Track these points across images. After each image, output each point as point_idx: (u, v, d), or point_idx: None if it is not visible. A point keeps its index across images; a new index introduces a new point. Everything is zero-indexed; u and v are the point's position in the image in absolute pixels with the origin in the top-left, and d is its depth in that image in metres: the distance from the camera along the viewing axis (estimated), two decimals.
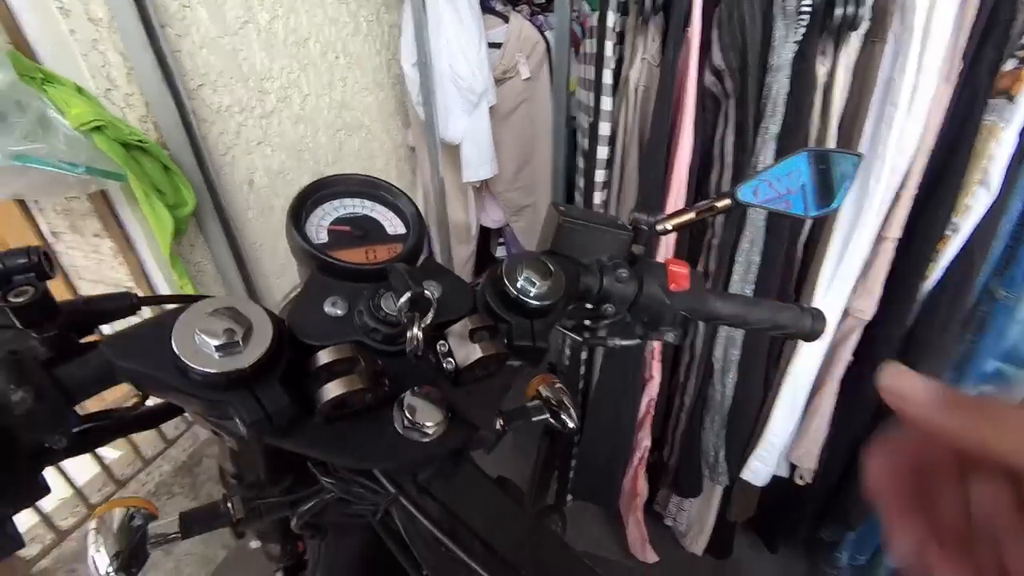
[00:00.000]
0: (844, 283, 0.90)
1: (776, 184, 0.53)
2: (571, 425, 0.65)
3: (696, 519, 1.27)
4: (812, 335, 0.57)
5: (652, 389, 1.12)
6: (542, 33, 1.61)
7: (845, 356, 0.96)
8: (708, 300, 0.54)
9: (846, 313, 0.94)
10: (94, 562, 0.44)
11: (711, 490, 1.20)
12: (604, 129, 0.93)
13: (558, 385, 0.68)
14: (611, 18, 0.85)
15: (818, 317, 0.56)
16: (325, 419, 0.38)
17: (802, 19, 0.76)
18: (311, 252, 0.43)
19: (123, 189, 1.05)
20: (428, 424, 0.39)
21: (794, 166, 0.52)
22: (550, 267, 0.45)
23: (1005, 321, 0.84)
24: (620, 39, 0.91)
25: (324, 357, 0.38)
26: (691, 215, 0.56)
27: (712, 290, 0.55)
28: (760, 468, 1.09)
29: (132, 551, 0.46)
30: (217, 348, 0.34)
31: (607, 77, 0.89)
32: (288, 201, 0.44)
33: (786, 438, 1.05)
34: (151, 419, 0.46)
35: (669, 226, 0.55)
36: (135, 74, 1.03)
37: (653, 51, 0.87)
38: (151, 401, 0.46)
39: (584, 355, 1.20)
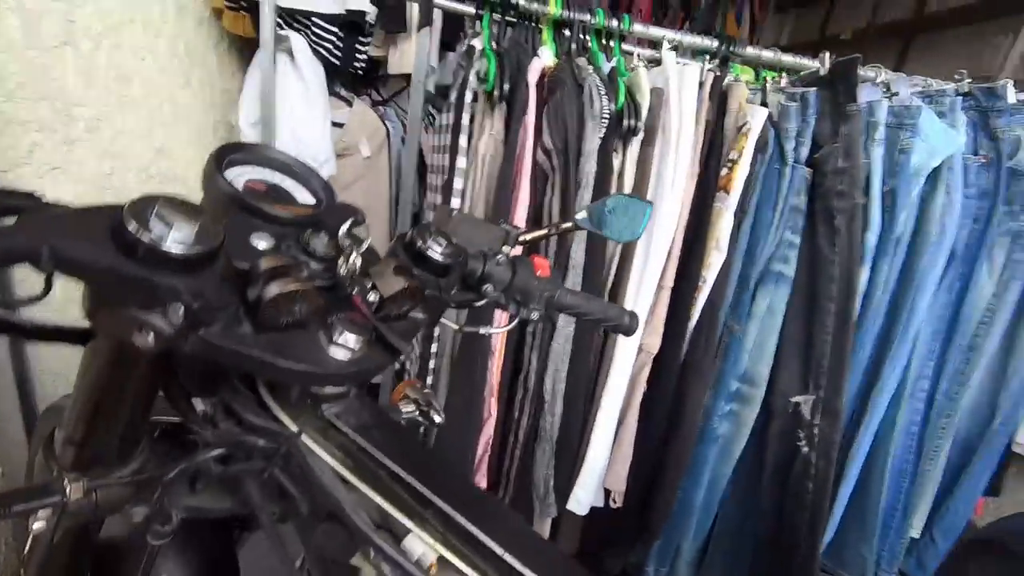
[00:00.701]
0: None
1: (599, 217, 0.72)
2: (438, 420, 0.71)
3: None
4: (631, 329, 0.75)
5: (489, 428, 1.20)
6: (383, 121, 1.78)
7: (641, 385, 1.20)
8: (561, 288, 0.69)
9: (640, 349, 1.18)
10: None
11: (541, 527, 1.28)
12: (458, 184, 1.09)
13: (425, 389, 0.74)
14: (468, 96, 1.06)
15: (633, 316, 0.74)
16: (259, 327, 0.40)
17: (603, 122, 1.06)
18: (237, 197, 0.46)
19: None
20: (352, 341, 0.43)
21: (610, 205, 0.72)
22: (451, 237, 0.56)
23: (738, 349, 1.17)
24: (470, 123, 1.12)
25: (266, 263, 0.41)
26: (544, 231, 0.74)
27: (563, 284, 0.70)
28: (583, 496, 1.22)
29: None
30: (173, 231, 0.35)
31: (463, 141, 1.07)
32: None
33: (603, 464, 1.21)
34: (49, 334, 0.40)
35: (528, 237, 0.71)
36: None
37: (498, 129, 1.09)
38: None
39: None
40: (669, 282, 1.14)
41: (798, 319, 1.14)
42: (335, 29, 1.57)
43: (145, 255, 0.34)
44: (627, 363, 1.16)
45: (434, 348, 1.17)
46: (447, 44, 1.70)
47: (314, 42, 1.57)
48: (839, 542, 1.29)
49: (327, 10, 1.53)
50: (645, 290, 1.13)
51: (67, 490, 0.43)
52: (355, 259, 0.46)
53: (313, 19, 1.56)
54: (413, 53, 1.57)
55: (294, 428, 0.46)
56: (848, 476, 1.22)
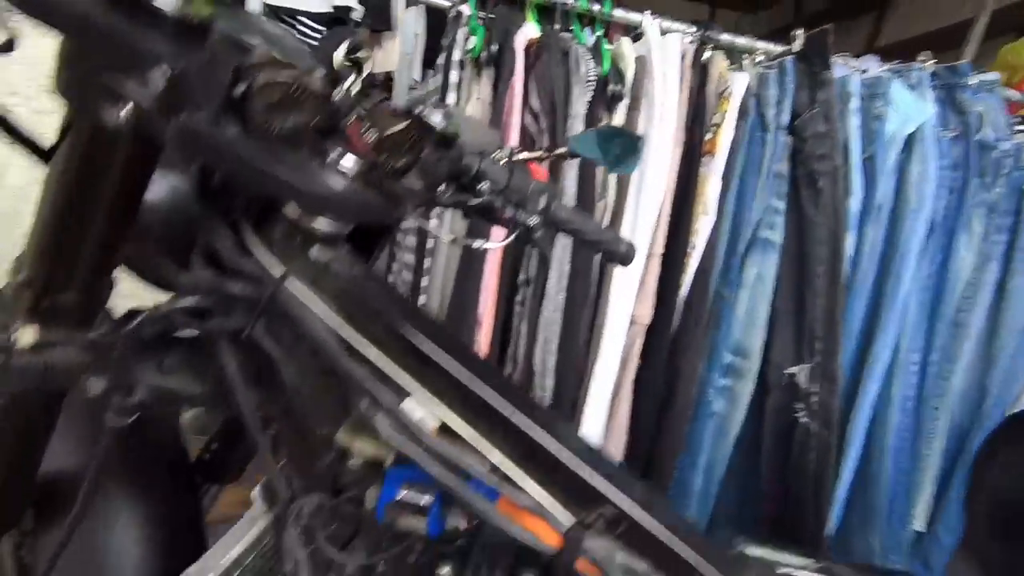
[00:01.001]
0: (629, 291, 1.13)
1: (592, 144, 0.71)
2: None
3: None
4: (627, 258, 0.73)
5: None
6: None
7: (635, 359, 1.15)
8: (558, 199, 0.67)
9: (632, 320, 1.15)
10: None
11: None
12: None
13: None
14: (456, 54, 1.07)
15: (631, 245, 0.72)
16: (248, 130, 0.37)
17: (589, 85, 1.07)
18: (222, 32, 0.43)
19: None
20: (350, 166, 0.40)
21: (603, 133, 0.72)
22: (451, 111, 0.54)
23: (729, 317, 1.15)
24: (458, 84, 1.12)
25: (257, 57, 0.38)
26: (538, 154, 0.72)
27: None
28: None
29: None
30: None
31: (450, 99, 1.07)
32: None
33: (598, 441, 1.14)
34: (11, 130, 0.36)
35: (522, 156, 0.69)
36: None
37: (485, 93, 1.09)
38: None
39: None
40: (659, 249, 1.12)
41: (788, 286, 1.13)
42: (321, 27, 1.59)
43: (128, 5, 0.30)
44: (619, 334, 1.12)
45: None
46: (429, 62, 1.72)
47: (299, 40, 1.58)
48: (845, 529, 1.23)
49: (314, 8, 1.56)
50: (636, 257, 1.11)
51: (14, 336, 0.37)
52: (354, 84, 0.43)
53: (299, 17, 1.58)
54: (397, 51, 1.59)
55: (280, 270, 0.41)
56: (849, 453, 1.18)
